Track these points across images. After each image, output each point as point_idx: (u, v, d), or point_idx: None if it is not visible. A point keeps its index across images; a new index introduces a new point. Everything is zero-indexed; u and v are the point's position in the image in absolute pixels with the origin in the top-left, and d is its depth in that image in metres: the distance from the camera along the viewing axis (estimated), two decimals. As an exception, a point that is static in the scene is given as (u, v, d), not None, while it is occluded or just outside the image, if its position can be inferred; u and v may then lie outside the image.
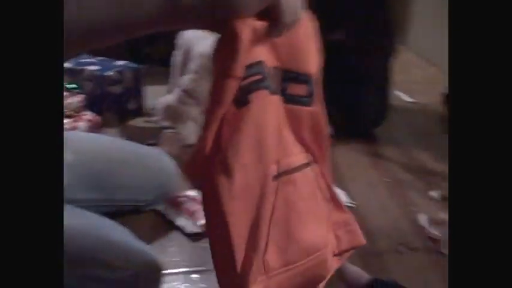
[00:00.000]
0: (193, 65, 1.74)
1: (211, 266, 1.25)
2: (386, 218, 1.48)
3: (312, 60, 0.71)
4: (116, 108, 2.06)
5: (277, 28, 0.59)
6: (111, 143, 1.39)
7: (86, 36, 0.51)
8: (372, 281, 1.02)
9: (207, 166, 0.59)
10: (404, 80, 2.63)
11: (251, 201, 0.60)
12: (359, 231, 0.78)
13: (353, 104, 1.99)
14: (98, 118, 1.95)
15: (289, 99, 0.66)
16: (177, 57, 1.97)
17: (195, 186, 0.70)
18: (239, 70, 0.57)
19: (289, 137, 0.67)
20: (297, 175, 0.66)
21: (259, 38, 0.59)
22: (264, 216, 0.60)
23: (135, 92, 2.14)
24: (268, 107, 0.62)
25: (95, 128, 1.89)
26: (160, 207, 1.48)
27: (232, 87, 0.58)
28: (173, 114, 1.65)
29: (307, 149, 0.70)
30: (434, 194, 1.58)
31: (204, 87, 1.68)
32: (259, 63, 0.61)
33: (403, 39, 3.33)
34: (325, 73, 2.21)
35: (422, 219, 1.45)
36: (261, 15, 0.58)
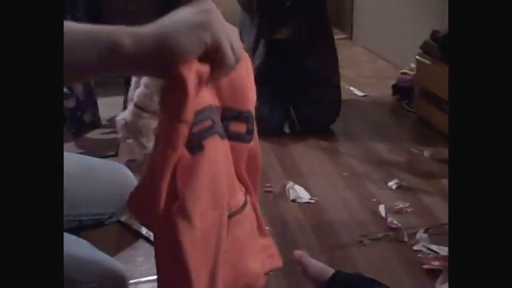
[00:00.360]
0: (143, 79, 1.72)
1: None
2: (347, 211, 1.52)
3: (251, 97, 0.73)
4: (71, 122, 2.04)
5: (222, 70, 0.61)
6: (66, 159, 1.37)
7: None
8: (334, 274, 1.05)
9: (161, 211, 0.59)
10: (354, 74, 2.70)
11: (210, 247, 0.62)
12: (277, 254, 0.85)
13: (306, 102, 2.03)
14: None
15: (230, 136, 0.68)
16: None
17: (142, 223, 0.70)
18: (189, 115, 0.58)
19: (233, 176, 0.69)
20: (242, 214, 0.69)
21: (204, 82, 0.60)
22: (220, 259, 0.62)
23: (89, 104, 2.12)
24: (220, 151, 0.64)
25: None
26: (123, 218, 1.47)
27: (183, 132, 0.58)
28: (132, 129, 1.64)
29: (243, 183, 0.72)
30: (391, 184, 1.63)
31: (155, 101, 1.66)
32: (208, 107, 0.63)
33: (350, 34, 3.41)
34: (276, 72, 2.23)
35: (382, 209, 1.49)
36: (202, 57, 0.59)
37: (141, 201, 0.62)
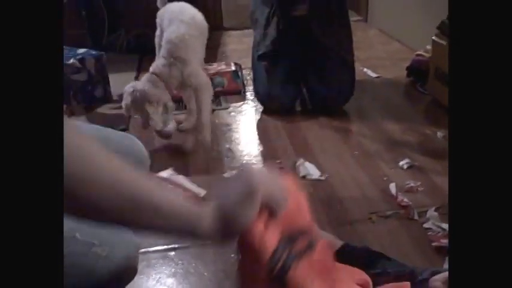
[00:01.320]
0: (162, 51, 1.73)
1: (186, 243, 1.26)
2: (357, 189, 1.50)
3: (305, 212, 0.78)
4: (82, 96, 2.04)
5: (278, 215, 0.70)
6: (84, 129, 1.37)
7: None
8: (342, 246, 1.04)
9: None
10: (369, 56, 2.66)
11: None
12: None
13: (320, 81, 2.01)
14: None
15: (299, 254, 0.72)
16: (156, 38, 1.93)
17: None
18: (267, 272, 0.66)
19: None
20: None
21: (268, 231, 0.68)
22: None
23: (100, 79, 2.12)
24: (304, 270, 0.69)
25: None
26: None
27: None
28: (140, 98, 1.62)
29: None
30: (402, 163, 1.61)
31: (172, 73, 1.67)
32: (279, 246, 0.69)
33: (365, 16, 3.37)
34: (290, 50, 2.17)
35: (393, 188, 1.48)
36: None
37: None
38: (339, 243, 1.05)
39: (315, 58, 2.00)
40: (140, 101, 1.62)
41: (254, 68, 2.10)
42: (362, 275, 0.83)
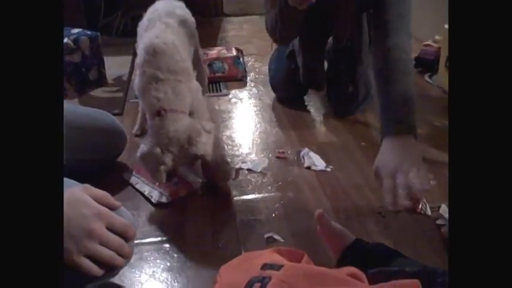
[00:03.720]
0: (148, 69, 1.28)
1: (181, 234, 1.18)
2: (365, 181, 1.42)
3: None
4: (75, 78, 1.94)
5: None
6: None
7: None
8: (355, 240, 0.96)
9: None
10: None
11: None
12: None
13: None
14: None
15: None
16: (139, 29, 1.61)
17: None
18: None
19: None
20: None
21: None
22: None
23: (95, 61, 2.02)
24: None
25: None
26: (126, 176, 1.39)
27: None
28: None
29: None
30: (412, 155, 1.52)
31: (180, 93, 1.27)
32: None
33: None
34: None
35: (402, 181, 1.39)
36: None
37: None
38: (351, 237, 0.97)
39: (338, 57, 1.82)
40: (180, 151, 1.23)
41: (277, 56, 1.98)
42: (351, 269, 0.77)
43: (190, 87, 1.32)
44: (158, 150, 1.18)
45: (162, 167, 1.17)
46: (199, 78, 1.45)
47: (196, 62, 1.56)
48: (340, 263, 0.92)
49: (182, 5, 1.58)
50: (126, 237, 0.77)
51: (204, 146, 1.22)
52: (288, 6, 1.45)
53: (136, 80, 1.31)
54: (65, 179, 0.94)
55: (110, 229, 0.75)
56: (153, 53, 1.27)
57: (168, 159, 1.18)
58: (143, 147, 1.22)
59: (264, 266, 0.77)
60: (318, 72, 1.84)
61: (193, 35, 1.55)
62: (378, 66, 1.36)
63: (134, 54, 1.62)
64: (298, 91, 1.95)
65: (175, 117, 1.21)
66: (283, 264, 0.77)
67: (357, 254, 0.93)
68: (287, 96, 1.95)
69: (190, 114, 1.31)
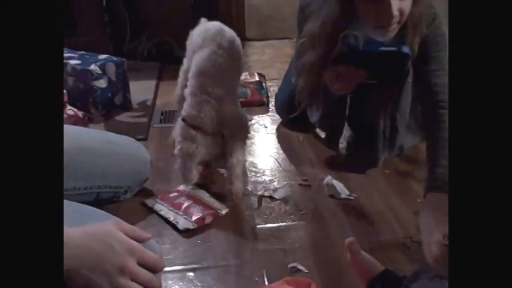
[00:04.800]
0: (189, 87, 1.42)
1: (206, 263, 1.18)
2: (389, 211, 1.41)
3: None
4: (101, 103, 1.98)
5: None
6: (85, 133, 1.36)
7: None
8: (383, 272, 0.96)
9: None
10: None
11: None
12: None
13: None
14: (81, 113, 1.86)
15: None
16: (184, 65, 1.66)
17: None
18: None
19: None
20: None
21: None
22: None
23: (121, 86, 2.06)
24: None
25: (78, 123, 1.80)
26: (150, 203, 1.40)
27: None
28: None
29: None
30: (436, 184, 1.51)
31: (205, 113, 1.38)
32: None
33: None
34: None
35: (427, 210, 1.38)
36: None
37: None
38: (380, 268, 0.97)
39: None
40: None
41: (286, 78, 1.94)
42: None
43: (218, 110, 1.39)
44: (193, 132, 1.34)
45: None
46: None
47: None
48: None
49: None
50: (155, 271, 0.78)
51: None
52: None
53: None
54: (96, 210, 0.95)
55: (141, 264, 0.76)
56: (198, 73, 1.40)
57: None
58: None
59: None
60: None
61: (237, 58, 1.53)
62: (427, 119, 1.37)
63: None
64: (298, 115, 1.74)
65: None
66: None
67: (386, 284, 0.93)
68: (285, 118, 1.92)
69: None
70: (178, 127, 1.40)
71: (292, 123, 1.91)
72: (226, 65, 1.41)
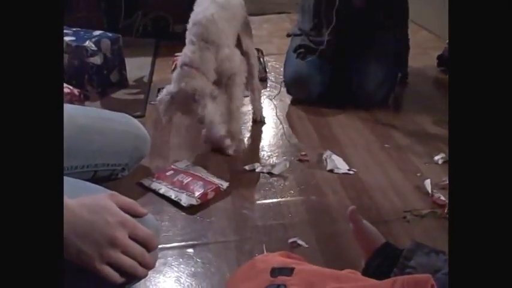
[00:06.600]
0: (189, 36, 1.51)
1: (206, 239, 1.17)
2: (389, 185, 1.40)
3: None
4: (97, 80, 1.95)
5: None
6: (80, 112, 1.36)
7: None
8: (384, 244, 0.95)
9: None
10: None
11: None
12: None
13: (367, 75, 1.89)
14: (77, 91, 1.83)
15: None
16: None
17: None
18: None
19: None
20: None
21: None
22: None
23: (117, 63, 2.03)
24: None
25: (74, 101, 1.77)
26: (147, 183, 1.39)
27: None
28: (182, 99, 1.44)
29: None
30: (437, 158, 1.50)
31: (205, 58, 1.46)
32: None
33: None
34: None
35: (427, 184, 1.37)
36: None
37: None
38: (382, 240, 0.95)
39: (363, 52, 1.90)
40: (184, 103, 1.45)
41: (288, 55, 1.99)
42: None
43: (216, 57, 1.49)
44: (168, 98, 1.45)
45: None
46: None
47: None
48: (369, 264, 0.91)
49: None
50: (149, 247, 0.76)
51: (208, 110, 1.43)
52: None
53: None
54: (92, 185, 0.94)
55: (133, 238, 0.74)
56: (194, 23, 1.51)
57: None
58: (162, 93, 1.48)
59: (273, 272, 0.75)
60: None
61: (235, 16, 1.62)
62: None
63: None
64: (310, 91, 1.92)
65: (191, 73, 1.44)
66: (293, 268, 0.75)
67: (386, 258, 0.92)
68: (299, 94, 1.96)
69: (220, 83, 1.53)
70: (177, 74, 1.47)
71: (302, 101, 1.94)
72: (218, 16, 1.51)
